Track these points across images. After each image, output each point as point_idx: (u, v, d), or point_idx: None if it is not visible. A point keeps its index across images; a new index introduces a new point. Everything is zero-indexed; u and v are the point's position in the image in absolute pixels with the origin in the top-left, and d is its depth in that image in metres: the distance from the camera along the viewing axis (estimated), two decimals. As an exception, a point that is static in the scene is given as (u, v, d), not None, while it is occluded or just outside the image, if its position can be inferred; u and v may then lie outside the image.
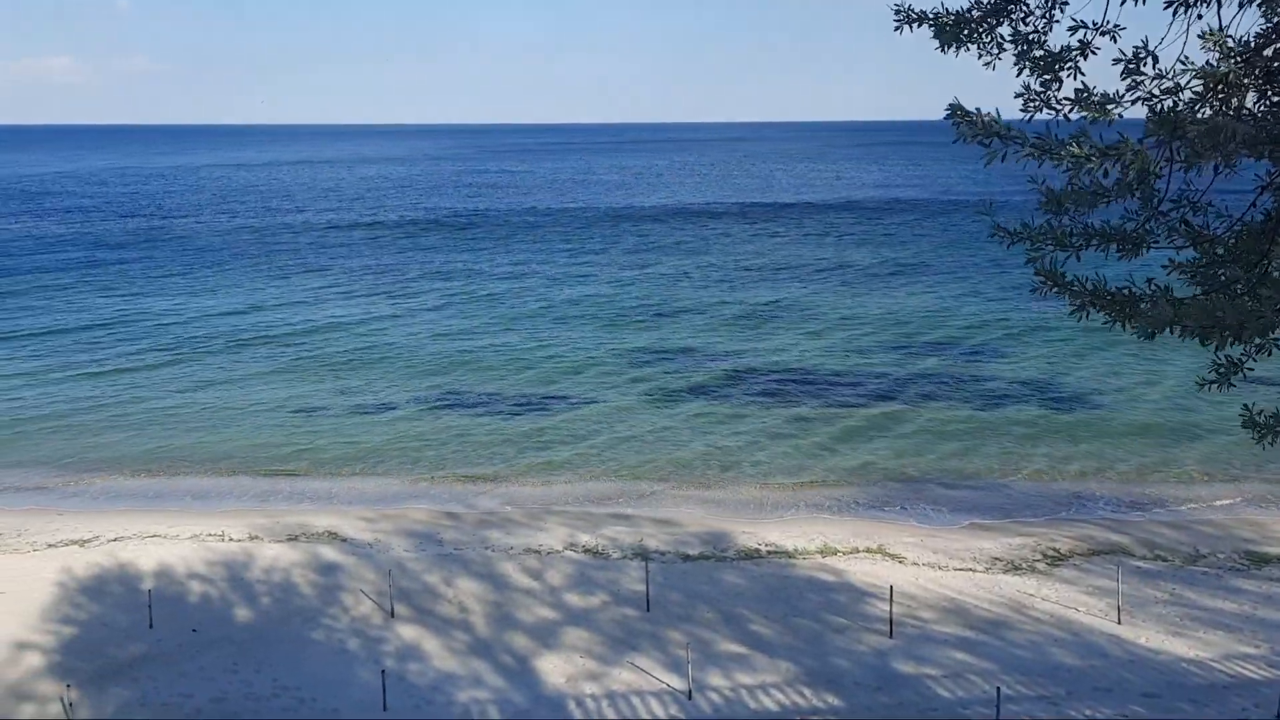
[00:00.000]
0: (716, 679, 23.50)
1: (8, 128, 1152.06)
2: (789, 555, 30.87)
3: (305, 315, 70.20)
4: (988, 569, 29.83)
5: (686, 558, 30.78)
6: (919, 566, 29.97)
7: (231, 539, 32.44)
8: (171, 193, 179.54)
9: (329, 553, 31.24)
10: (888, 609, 25.96)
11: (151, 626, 25.98)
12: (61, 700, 22.40)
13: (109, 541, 32.12)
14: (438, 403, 49.20)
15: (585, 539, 32.44)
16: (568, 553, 31.23)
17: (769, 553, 31.09)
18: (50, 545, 31.96)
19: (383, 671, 22.95)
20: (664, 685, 23.26)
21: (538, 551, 31.31)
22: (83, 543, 32.11)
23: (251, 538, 32.58)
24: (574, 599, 27.83)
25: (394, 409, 48.19)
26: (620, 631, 25.85)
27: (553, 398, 49.88)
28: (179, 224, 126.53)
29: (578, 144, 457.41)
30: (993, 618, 26.44)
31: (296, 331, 65.24)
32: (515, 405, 48.56)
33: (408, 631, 25.89)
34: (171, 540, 32.28)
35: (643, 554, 30.95)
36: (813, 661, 24.23)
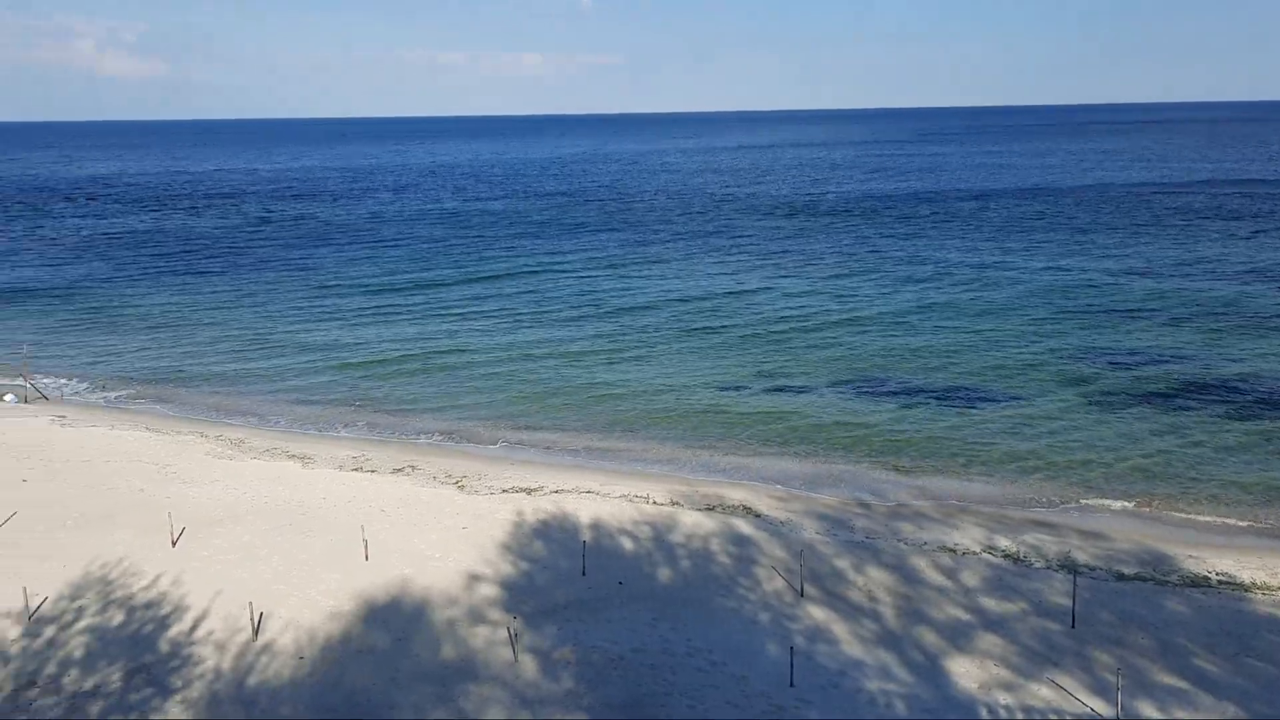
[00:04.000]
0: (1149, 710, 21.41)
1: (494, 118, 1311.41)
2: (1244, 588, 27.38)
3: (735, 301, 72.75)
4: None
5: (1120, 576, 28.27)
6: None
7: (655, 502, 34.47)
8: (626, 176, 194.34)
9: (742, 526, 32.24)
10: (1373, 666, 22.22)
11: (584, 574, 28.30)
12: (508, 629, 25.05)
13: (552, 493, 35.42)
14: (855, 389, 49.00)
15: (1004, 543, 30.85)
16: (985, 555, 29.88)
17: (1219, 582, 27.76)
18: (504, 490, 35.81)
19: (791, 648, 23.31)
20: (1087, 708, 21.58)
21: (952, 550, 30.25)
22: (529, 491, 35.66)
23: (673, 503, 34.42)
24: (990, 603, 26.57)
25: (811, 392, 48.65)
26: (1040, 645, 24.31)
27: (978, 393, 47.83)
28: (634, 207, 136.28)
29: (991, 127, 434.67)
30: None
31: (722, 312, 67.88)
32: (937, 398, 47.14)
33: (817, 612, 26.09)
34: (603, 497, 34.94)
35: (1069, 566, 28.87)
36: (1269, 710, 21.34)
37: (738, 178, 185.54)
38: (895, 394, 47.92)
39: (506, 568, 28.93)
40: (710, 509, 33.89)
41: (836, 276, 79.36)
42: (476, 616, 26.03)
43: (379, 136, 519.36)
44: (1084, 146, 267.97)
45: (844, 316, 64.94)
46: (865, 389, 48.88)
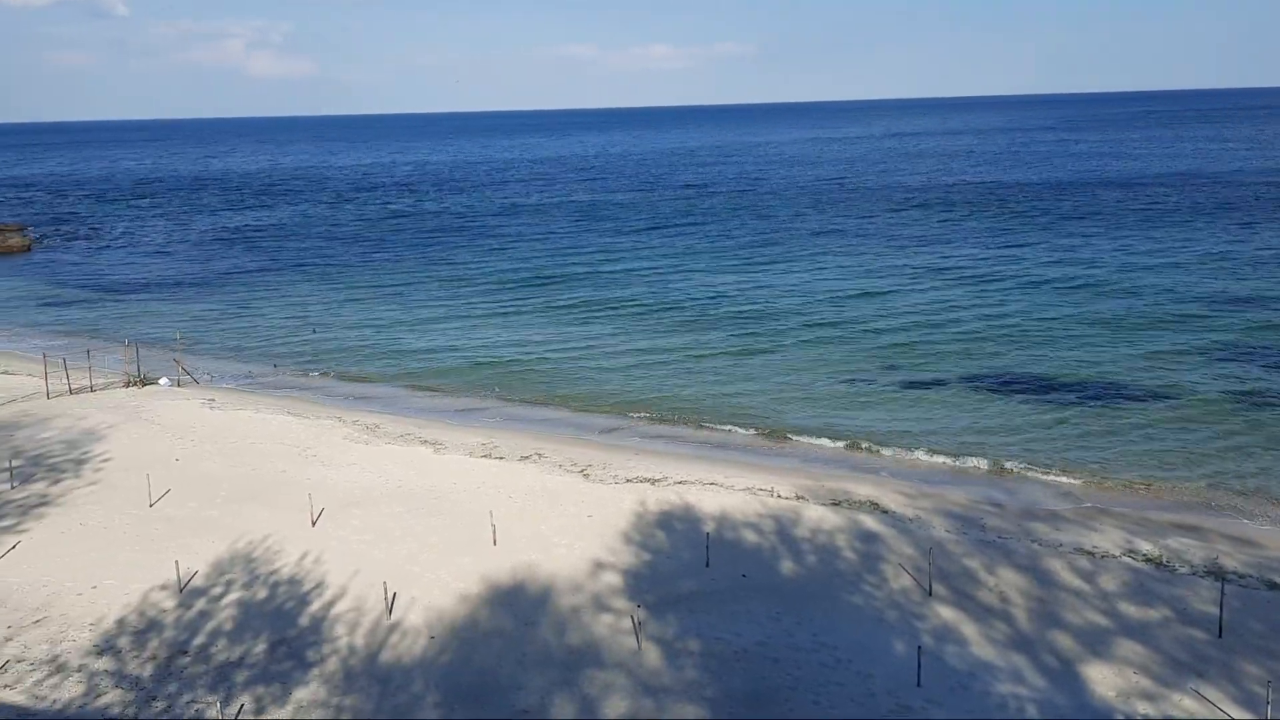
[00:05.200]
0: (1304, 729, 20.25)
1: (624, 110, 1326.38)
2: None
3: (867, 299, 71.57)
4: None
5: (1271, 585, 26.83)
6: None
7: (780, 496, 34.24)
8: (757, 167, 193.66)
9: (869, 522, 31.75)
10: None
11: (708, 566, 28.33)
12: (632, 618, 25.27)
13: (675, 483, 35.53)
14: (989, 385, 47.67)
15: (1146, 547, 29.60)
16: (1125, 559, 28.72)
17: (1385, 596, 26.04)
18: (628, 480, 36.08)
19: (919, 647, 22.87)
20: (1234, 723, 20.57)
21: (1090, 552, 29.17)
22: (653, 481, 35.85)
23: (798, 497, 34.12)
24: (1129, 609, 25.54)
25: (943, 390, 47.50)
26: (1184, 653, 23.27)
27: (1121, 394, 45.81)
28: (764, 199, 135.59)
29: (1156, 111, 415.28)
30: None
31: (853, 310, 66.91)
32: (1077, 398, 45.41)
33: (945, 612, 25.52)
34: (727, 490, 34.87)
35: (1216, 572, 27.53)
36: None
37: (872, 168, 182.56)
38: (1032, 394, 46.36)
39: (630, 556, 29.18)
40: (836, 504, 33.48)
41: (973, 274, 76.95)
42: (601, 603, 26.34)
43: (511, 130, 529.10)
44: (1250, 132, 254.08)
45: (980, 317, 62.76)
46: (1000, 389, 47.45)
